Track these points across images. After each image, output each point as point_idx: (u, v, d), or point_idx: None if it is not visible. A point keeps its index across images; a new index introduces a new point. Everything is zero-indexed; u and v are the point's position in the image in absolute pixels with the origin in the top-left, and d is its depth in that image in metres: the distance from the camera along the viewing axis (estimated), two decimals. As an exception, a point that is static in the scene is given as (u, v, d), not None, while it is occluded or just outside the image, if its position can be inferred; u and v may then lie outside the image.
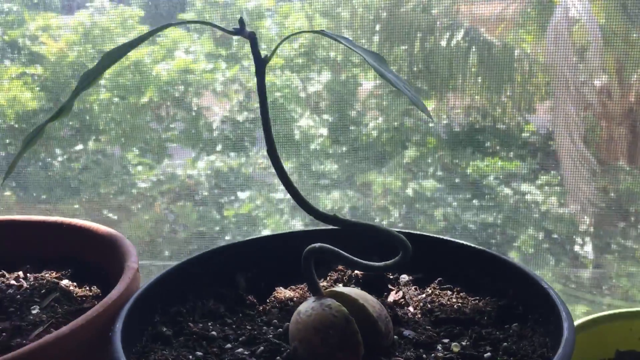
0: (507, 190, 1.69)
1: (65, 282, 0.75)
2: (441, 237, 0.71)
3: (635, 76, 1.69)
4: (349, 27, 1.67)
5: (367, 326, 0.59)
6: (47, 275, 0.76)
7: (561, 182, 1.64)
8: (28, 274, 0.77)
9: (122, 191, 1.71)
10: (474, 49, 1.72)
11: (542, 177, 1.70)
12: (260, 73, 0.50)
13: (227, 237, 1.73)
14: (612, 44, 1.63)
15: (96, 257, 0.76)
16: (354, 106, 1.72)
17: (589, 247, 1.65)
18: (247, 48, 1.62)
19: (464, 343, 0.60)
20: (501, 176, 1.70)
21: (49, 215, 0.80)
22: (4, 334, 0.66)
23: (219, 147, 1.78)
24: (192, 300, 0.68)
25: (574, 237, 1.65)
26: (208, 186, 1.77)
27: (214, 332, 0.64)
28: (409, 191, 1.62)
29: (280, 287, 0.72)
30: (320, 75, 1.72)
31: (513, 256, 1.60)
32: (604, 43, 1.61)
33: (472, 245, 0.70)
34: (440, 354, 0.58)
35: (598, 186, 1.60)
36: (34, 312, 0.69)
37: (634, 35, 1.61)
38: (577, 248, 1.66)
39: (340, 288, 0.63)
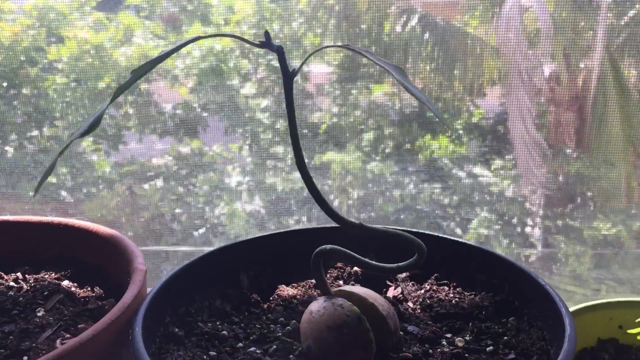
0: (461, 173, 1.74)
1: (65, 283, 0.75)
2: (436, 234, 0.74)
3: (582, 63, 1.76)
4: (301, 12, 1.68)
5: (377, 324, 0.62)
6: (46, 276, 0.77)
7: (515, 166, 1.70)
8: (27, 275, 0.77)
9: (81, 174, 1.69)
10: (427, 35, 1.75)
11: (494, 160, 1.76)
12: (288, 86, 0.52)
13: (183, 218, 1.74)
14: (561, 31, 1.68)
15: (95, 258, 0.77)
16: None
17: (538, 229, 1.72)
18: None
19: (467, 337, 0.64)
20: (453, 159, 1.75)
21: (42, 215, 0.80)
22: (10, 337, 0.66)
23: (174, 132, 1.77)
24: (199, 300, 0.70)
25: (525, 218, 1.71)
26: (166, 170, 1.77)
27: (224, 332, 0.65)
28: (367, 173, 1.65)
29: (283, 285, 0.74)
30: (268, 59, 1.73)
31: (468, 237, 1.65)
32: (554, 30, 1.67)
33: (467, 242, 0.73)
34: (446, 349, 0.62)
35: (549, 169, 1.67)
36: (39, 314, 0.69)
37: (582, 23, 1.68)
38: (528, 229, 1.73)
39: (348, 287, 0.66)
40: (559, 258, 1.69)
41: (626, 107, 1.73)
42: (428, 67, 1.78)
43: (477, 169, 1.72)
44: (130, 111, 1.72)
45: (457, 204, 1.69)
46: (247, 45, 1.68)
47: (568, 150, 1.74)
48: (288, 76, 0.53)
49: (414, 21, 1.76)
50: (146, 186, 1.76)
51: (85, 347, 0.57)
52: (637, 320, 0.73)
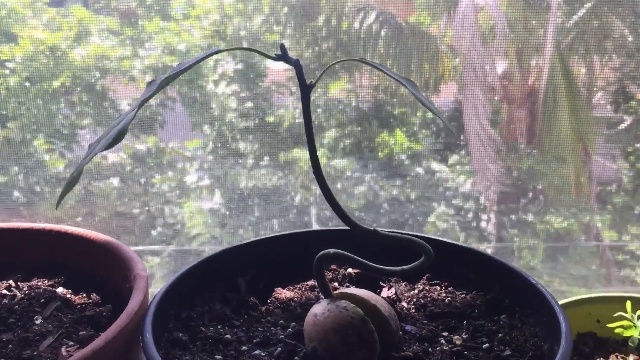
0: (419, 169, 1.78)
1: (60, 290, 0.75)
2: (427, 235, 0.77)
3: (534, 61, 1.82)
4: (259, 10, 1.69)
5: (380, 325, 0.64)
6: (40, 283, 0.76)
7: (470, 161, 1.74)
8: (19, 283, 0.77)
9: (34, 174, 1.66)
10: (384, 32, 1.78)
11: (450, 156, 1.80)
12: (305, 99, 0.54)
13: (141, 217, 1.73)
14: (513, 30, 1.73)
15: (90, 264, 0.77)
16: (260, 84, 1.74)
17: (493, 223, 1.78)
18: (151, 28, 1.61)
19: (464, 336, 0.67)
20: (409, 155, 1.79)
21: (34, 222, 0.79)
22: (10, 345, 0.66)
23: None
24: (199, 305, 0.71)
25: (481, 213, 1.77)
26: (122, 169, 1.76)
27: (228, 336, 0.67)
28: (330, 170, 1.68)
29: (279, 288, 0.76)
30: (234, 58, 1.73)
31: (429, 230, 1.69)
32: (507, 29, 1.72)
33: (457, 243, 0.76)
34: (445, 347, 0.65)
35: (503, 165, 1.72)
36: (37, 322, 0.69)
37: (533, 22, 1.73)
38: (483, 224, 1.79)
39: (350, 289, 0.68)
40: (514, 251, 1.74)
41: (575, 104, 1.80)
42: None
43: (434, 165, 1.76)
44: (86, 109, 1.70)
45: (415, 199, 1.73)
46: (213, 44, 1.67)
47: (521, 147, 1.80)
48: (305, 89, 0.54)
49: (370, 18, 1.78)
50: (102, 185, 1.74)
51: (99, 354, 0.57)
52: (614, 315, 0.77)
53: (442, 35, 1.77)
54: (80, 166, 0.52)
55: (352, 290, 0.68)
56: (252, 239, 0.78)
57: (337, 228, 0.82)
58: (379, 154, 1.76)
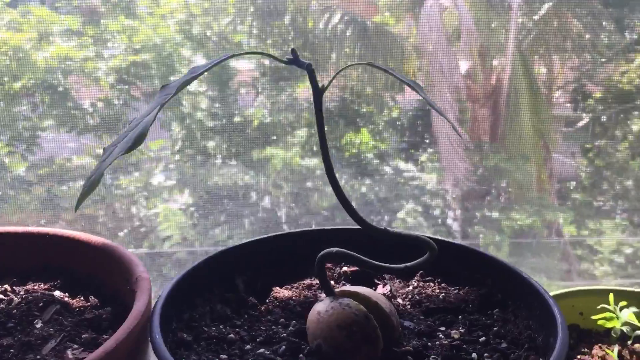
0: (385, 167, 1.80)
1: (57, 294, 0.75)
2: (419, 234, 0.79)
3: (496, 61, 1.86)
4: (223, 10, 1.69)
5: (382, 321, 0.66)
6: (36, 287, 0.76)
7: (438, 159, 1.78)
8: (14, 287, 0.76)
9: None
10: (349, 32, 1.80)
11: (416, 154, 1.83)
12: (317, 102, 0.55)
13: (102, 221, 1.72)
14: (476, 30, 1.77)
15: (86, 267, 0.77)
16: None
17: (459, 219, 1.81)
18: (115, 27, 1.59)
19: (461, 330, 0.69)
20: (376, 153, 1.81)
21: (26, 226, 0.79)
22: (11, 350, 0.66)
23: (94, 130, 1.74)
24: (200, 305, 0.72)
25: (447, 209, 1.80)
26: (85, 171, 1.74)
27: (231, 335, 0.68)
28: (302, 169, 1.69)
29: (277, 287, 0.77)
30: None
31: (396, 226, 1.72)
32: (470, 29, 1.75)
33: (449, 240, 0.79)
34: (445, 342, 0.67)
35: (469, 163, 1.76)
36: (37, 325, 0.69)
37: (495, 22, 1.77)
38: (449, 221, 1.82)
39: (351, 287, 0.70)
40: (480, 246, 1.78)
41: (536, 103, 1.84)
42: (350, 63, 1.82)
43: (401, 163, 1.79)
44: (48, 110, 1.68)
45: (384, 197, 1.75)
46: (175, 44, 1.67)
47: (485, 145, 1.84)
48: (318, 92, 0.56)
49: (336, 18, 1.80)
50: (65, 188, 1.72)
51: (110, 356, 0.58)
52: (598, 307, 0.80)
53: (407, 35, 1.80)
54: (101, 170, 0.52)
55: (354, 287, 0.69)
56: (248, 239, 0.79)
57: (329, 227, 0.83)
58: (346, 153, 1.78)
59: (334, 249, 0.67)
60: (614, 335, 0.79)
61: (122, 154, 0.52)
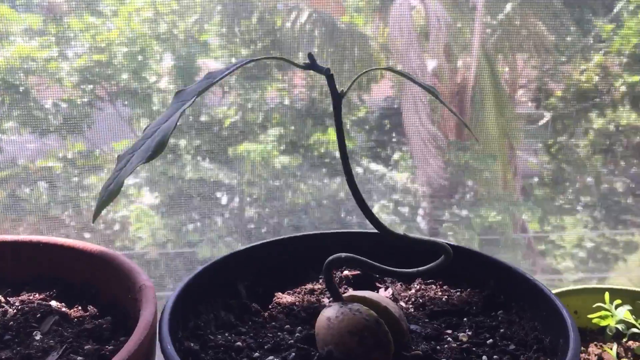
0: (356, 167, 1.81)
1: (54, 304, 0.73)
2: (419, 236, 0.79)
3: (460, 61, 1.88)
4: (191, 8, 1.67)
5: (392, 325, 0.66)
6: (31, 297, 0.74)
7: (410, 157, 1.79)
8: (9, 298, 0.74)
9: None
10: (317, 32, 1.80)
11: (385, 152, 1.84)
12: (337, 107, 0.54)
13: (70, 222, 1.68)
14: (442, 29, 1.78)
15: (82, 276, 0.75)
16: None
17: (428, 217, 1.83)
18: (78, 26, 1.56)
19: (468, 332, 0.69)
20: (349, 152, 1.81)
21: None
22: (11, 363, 0.64)
23: (57, 131, 1.71)
24: (204, 313, 0.71)
25: (418, 208, 1.81)
26: (49, 172, 1.70)
27: (238, 343, 0.67)
28: (277, 166, 1.68)
29: (279, 293, 0.76)
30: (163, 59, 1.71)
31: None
32: (437, 29, 1.77)
33: (450, 243, 0.79)
34: (453, 345, 0.67)
35: (441, 161, 1.77)
36: (37, 337, 0.67)
37: (460, 23, 1.79)
38: (419, 219, 1.84)
39: (359, 292, 0.69)
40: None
41: (500, 102, 1.87)
42: (318, 62, 1.81)
43: (371, 162, 1.79)
44: (8, 112, 1.64)
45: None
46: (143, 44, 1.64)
47: (452, 144, 1.85)
48: (337, 97, 0.55)
49: (303, 17, 1.79)
50: (27, 190, 1.68)
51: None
52: (594, 306, 0.82)
53: (376, 35, 1.80)
54: (121, 179, 0.51)
55: (362, 292, 0.69)
56: (248, 245, 0.79)
57: (329, 231, 0.83)
58: (315, 152, 1.77)
59: (343, 254, 0.66)
60: (610, 333, 0.80)
61: (142, 162, 0.51)
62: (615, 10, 1.77)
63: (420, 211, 1.81)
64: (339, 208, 1.72)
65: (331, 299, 0.75)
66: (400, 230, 1.76)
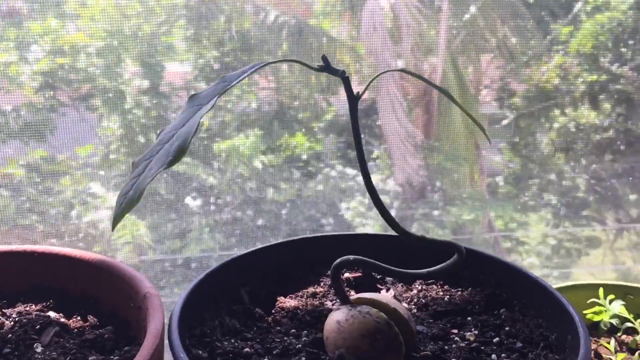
0: (325, 167, 1.81)
1: (52, 315, 0.71)
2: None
3: (426, 64, 1.89)
4: (156, 11, 1.65)
5: (401, 327, 0.66)
6: (28, 308, 0.71)
7: (384, 158, 1.79)
8: (5, 310, 0.71)
9: None
10: (285, 33, 1.79)
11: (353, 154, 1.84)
12: (353, 110, 0.54)
13: (41, 228, 1.64)
14: (410, 30, 1.80)
15: (79, 285, 0.73)
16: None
17: (402, 216, 1.84)
18: (38, 29, 1.53)
19: (475, 332, 0.70)
20: (312, 154, 1.81)
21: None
22: (13, 378, 0.62)
23: (19, 137, 1.66)
24: (209, 319, 0.70)
25: (391, 208, 1.82)
26: (10, 180, 1.66)
27: (246, 349, 0.66)
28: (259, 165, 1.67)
29: (281, 297, 0.76)
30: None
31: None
32: (405, 30, 1.78)
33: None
34: (462, 344, 0.67)
35: (413, 161, 1.78)
36: (38, 350, 0.65)
37: (426, 24, 1.81)
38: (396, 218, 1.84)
39: (367, 294, 0.69)
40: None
41: (465, 101, 1.89)
42: (285, 65, 1.81)
43: (341, 163, 1.79)
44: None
45: (327, 197, 1.75)
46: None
47: (420, 144, 1.87)
48: (353, 100, 0.55)
49: (271, 18, 1.78)
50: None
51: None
52: (588, 302, 0.83)
53: (346, 37, 1.81)
54: (141, 186, 0.49)
55: (369, 294, 0.69)
56: (247, 250, 0.78)
57: (328, 234, 0.83)
58: (283, 154, 1.77)
59: (351, 257, 0.66)
60: (604, 328, 0.82)
61: (164, 167, 0.50)
62: (574, 11, 1.81)
63: (393, 212, 1.82)
64: (312, 208, 1.72)
65: (334, 301, 0.75)
66: (378, 228, 1.77)
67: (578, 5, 1.81)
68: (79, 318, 0.71)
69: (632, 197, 1.93)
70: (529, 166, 1.95)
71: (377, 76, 0.57)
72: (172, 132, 0.53)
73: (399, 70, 0.49)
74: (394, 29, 1.80)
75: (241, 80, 0.54)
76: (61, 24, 1.58)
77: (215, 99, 0.52)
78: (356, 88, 1.71)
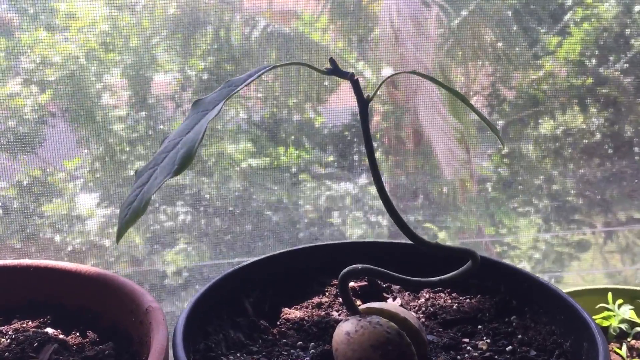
0: (316, 176, 1.79)
1: (50, 331, 0.68)
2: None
3: (417, 67, 1.88)
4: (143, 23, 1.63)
5: (412, 336, 0.64)
6: (25, 325, 0.69)
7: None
8: (0, 327, 0.69)
9: None
10: (272, 43, 1.78)
11: (345, 163, 1.83)
12: (363, 113, 0.53)
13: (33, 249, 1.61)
14: (398, 37, 1.79)
15: (77, 300, 0.70)
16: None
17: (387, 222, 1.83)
18: (27, 40, 1.51)
19: (487, 340, 0.68)
20: (304, 163, 1.79)
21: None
22: (11, 399, 0.59)
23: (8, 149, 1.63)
24: (213, 333, 0.67)
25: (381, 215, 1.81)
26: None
27: (253, 363, 0.64)
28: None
29: (286, 308, 0.74)
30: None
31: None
32: (393, 35, 1.77)
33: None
34: (475, 353, 0.65)
35: (398, 167, 1.77)
36: (36, 369, 0.63)
37: (414, 30, 1.80)
38: (385, 223, 1.83)
39: (376, 304, 0.67)
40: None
41: (455, 108, 1.88)
42: (272, 75, 1.80)
43: (333, 171, 1.78)
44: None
45: (319, 206, 1.74)
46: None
47: (409, 149, 1.86)
48: (363, 103, 0.53)
49: (258, 30, 1.77)
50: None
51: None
52: (597, 307, 0.82)
53: (334, 45, 1.79)
54: (147, 196, 0.47)
55: (379, 304, 0.67)
56: (249, 260, 0.76)
57: (330, 243, 0.81)
58: (274, 163, 1.75)
59: (359, 266, 0.64)
60: (613, 333, 0.80)
61: (170, 176, 0.48)
62: (565, 19, 1.81)
63: (385, 221, 1.81)
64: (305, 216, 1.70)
65: (340, 311, 0.73)
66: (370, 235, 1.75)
67: (568, 15, 1.82)
68: (78, 334, 0.69)
69: (621, 200, 1.93)
70: (518, 172, 1.94)
71: (387, 78, 0.56)
72: (177, 139, 0.51)
73: (409, 72, 0.48)
74: (379, 35, 1.79)
75: (248, 84, 0.52)
76: (49, 37, 1.56)
77: (221, 103, 0.50)
78: (346, 99, 1.68)
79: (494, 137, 1.96)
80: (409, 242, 0.66)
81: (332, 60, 0.54)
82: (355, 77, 0.53)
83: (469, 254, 0.62)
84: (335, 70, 0.54)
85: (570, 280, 2.06)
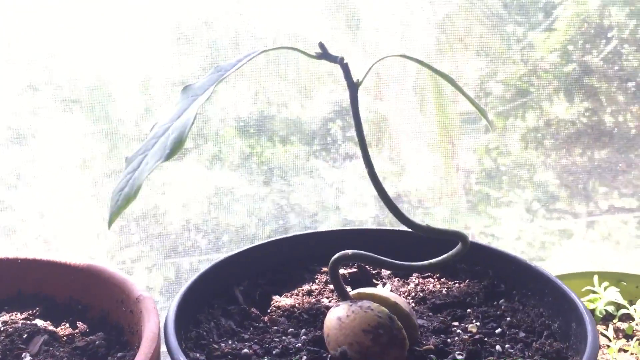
0: (306, 170, 1.79)
1: (39, 323, 0.68)
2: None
3: (403, 61, 1.88)
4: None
5: (403, 321, 0.64)
6: (13, 317, 0.68)
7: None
8: (-12, 319, 0.68)
9: None
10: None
11: (332, 156, 1.83)
12: (353, 97, 0.53)
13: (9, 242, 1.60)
14: (387, 29, 1.79)
15: (65, 291, 0.70)
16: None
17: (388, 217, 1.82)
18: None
19: (477, 323, 0.68)
20: (293, 157, 1.79)
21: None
22: (1, 390, 0.59)
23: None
24: (204, 321, 0.67)
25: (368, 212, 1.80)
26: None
27: (245, 350, 0.64)
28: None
29: (276, 296, 0.74)
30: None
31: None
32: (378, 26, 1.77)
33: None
34: (465, 336, 0.66)
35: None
36: (26, 359, 0.62)
37: (402, 21, 1.80)
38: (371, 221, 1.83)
39: (367, 289, 0.67)
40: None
41: (442, 102, 1.89)
42: (264, 71, 1.80)
43: (322, 164, 1.78)
44: None
45: (312, 199, 1.74)
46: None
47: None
48: (353, 87, 0.53)
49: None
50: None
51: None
52: (583, 289, 0.82)
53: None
54: (138, 182, 0.47)
55: (370, 289, 0.67)
56: (239, 249, 0.76)
57: (319, 230, 0.81)
58: (262, 158, 1.75)
59: (350, 251, 0.64)
60: (599, 315, 0.81)
61: (161, 161, 0.48)
62: (554, 14, 1.81)
63: (371, 211, 1.81)
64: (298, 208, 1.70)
65: (330, 298, 0.73)
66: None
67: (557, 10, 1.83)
68: (67, 325, 0.68)
69: (602, 189, 1.95)
70: (501, 163, 1.95)
71: (377, 62, 0.56)
72: (167, 124, 0.51)
73: (398, 55, 0.48)
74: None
75: (237, 68, 0.52)
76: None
77: (211, 88, 0.50)
78: (329, 92, 1.67)
79: (481, 130, 1.96)
80: (397, 228, 0.67)
81: (321, 45, 0.54)
82: (345, 61, 0.53)
83: (459, 236, 0.62)
84: (324, 55, 0.54)
85: (554, 268, 2.08)
